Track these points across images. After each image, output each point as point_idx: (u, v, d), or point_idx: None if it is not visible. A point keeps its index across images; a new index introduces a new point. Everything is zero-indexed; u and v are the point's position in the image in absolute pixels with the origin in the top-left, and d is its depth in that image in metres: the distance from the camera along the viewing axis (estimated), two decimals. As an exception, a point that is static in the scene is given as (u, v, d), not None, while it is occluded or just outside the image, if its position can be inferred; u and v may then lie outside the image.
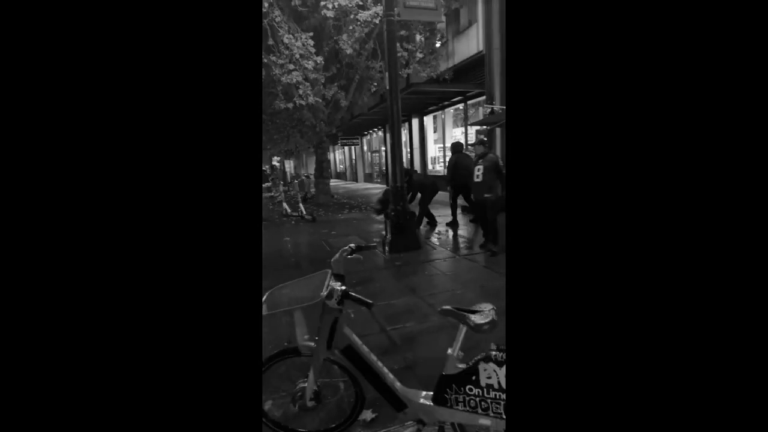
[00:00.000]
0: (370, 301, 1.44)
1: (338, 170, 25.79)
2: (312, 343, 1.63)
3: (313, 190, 12.00)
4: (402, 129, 5.48)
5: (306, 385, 1.68)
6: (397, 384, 1.60)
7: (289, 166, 25.16)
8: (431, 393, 1.55)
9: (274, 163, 24.54)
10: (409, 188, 6.22)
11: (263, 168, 23.03)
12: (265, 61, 7.01)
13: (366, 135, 19.67)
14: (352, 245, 1.74)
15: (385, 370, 1.62)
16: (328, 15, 7.10)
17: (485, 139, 5.46)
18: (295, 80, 7.10)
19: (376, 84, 9.66)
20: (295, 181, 10.89)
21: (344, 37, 7.76)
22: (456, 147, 6.33)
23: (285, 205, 9.56)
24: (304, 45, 7.11)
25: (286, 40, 6.95)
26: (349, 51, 7.92)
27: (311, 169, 17.86)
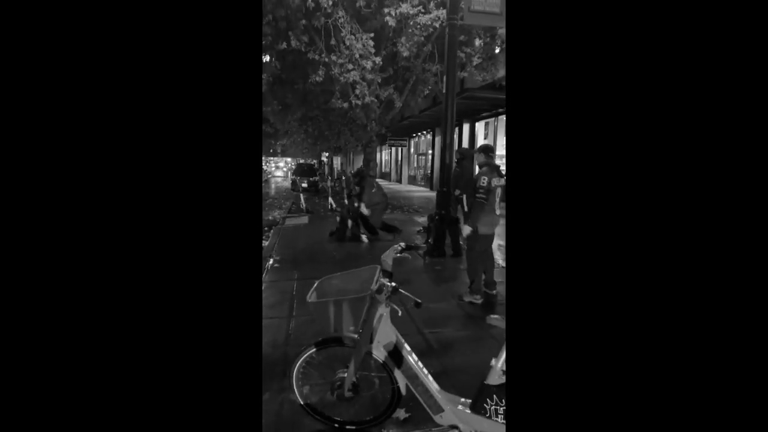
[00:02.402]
0: (420, 300, 1.45)
1: (383, 170, 25.98)
2: (356, 336, 1.66)
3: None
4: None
5: (345, 375, 1.73)
6: (435, 386, 1.60)
7: (337, 162, 25.70)
8: (470, 401, 1.54)
9: (323, 158, 25.17)
10: (359, 192, 6.08)
11: (312, 162, 23.67)
12: (326, 59, 7.23)
13: (414, 137, 19.67)
14: (402, 244, 1.76)
15: (425, 371, 1.62)
16: (390, 23, 7.20)
17: (492, 144, 4.17)
18: (352, 79, 7.27)
19: (430, 87, 9.63)
20: (342, 178, 11.12)
21: (403, 39, 7.82)
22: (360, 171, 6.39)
23: (331, 200, 9.80)
24: (364, 46, 7.25)
25: (347, 42, 7.13)
26: (406, 53, 7.97)
27: (357, 167, 18.10)
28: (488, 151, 3.44)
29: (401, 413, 1.88)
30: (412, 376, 1.59)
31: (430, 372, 1.66)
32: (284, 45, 7.04)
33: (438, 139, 15.03)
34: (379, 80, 8.19)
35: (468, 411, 1.52)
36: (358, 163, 18.10)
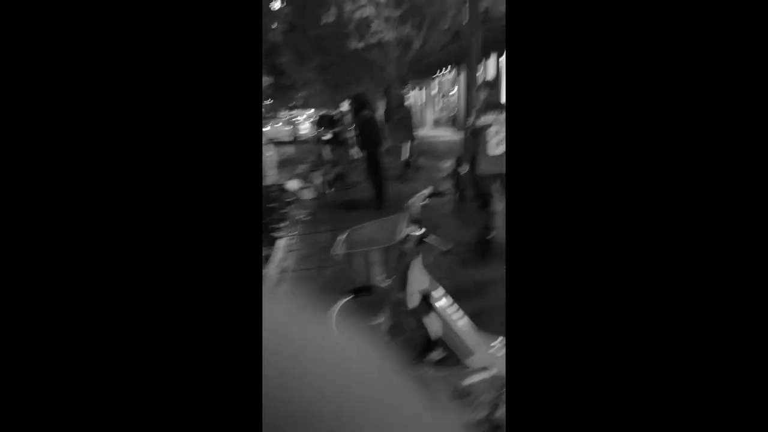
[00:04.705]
0: (446, 248, 1.42)
1: (406, 116, 25.20)
2: (385, 284, 1.68)
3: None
4: (478, 68, 5.07)
5: (380, 323, 1.77)
6: (468, 329, 1.61)
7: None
8: (504, 337, 1.54)
9: (343, 108, 24.58)
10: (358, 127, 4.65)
11: (331, 113, 23.19)
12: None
13: (435, 77, 18.69)
14: (429, 189, 1.70)
15: (458, 314, 1.63)
16: None
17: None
18: (367, 14, 6.83)
19: (449, 20, 8.94)
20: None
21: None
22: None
23: (352, 150, 9.68)
24: (376, -23, 6.70)
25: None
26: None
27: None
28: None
29: (436, 354, 1.93)
30: (444, 322, 1.60)
31: (466, 314, 1.66)
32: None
33: (462, 76, 14.20)
34: (396, 15, 7.66)
35: (502, 352, 1.53)
36: (381, 109, 17.55)
